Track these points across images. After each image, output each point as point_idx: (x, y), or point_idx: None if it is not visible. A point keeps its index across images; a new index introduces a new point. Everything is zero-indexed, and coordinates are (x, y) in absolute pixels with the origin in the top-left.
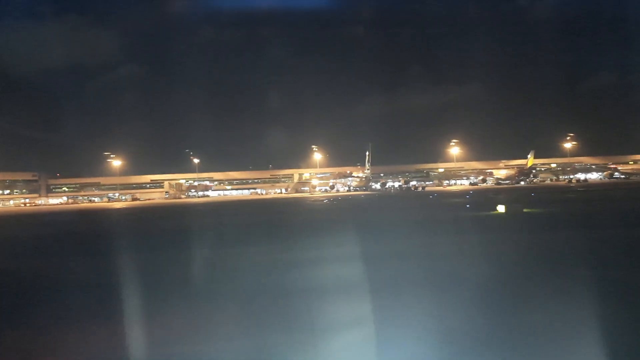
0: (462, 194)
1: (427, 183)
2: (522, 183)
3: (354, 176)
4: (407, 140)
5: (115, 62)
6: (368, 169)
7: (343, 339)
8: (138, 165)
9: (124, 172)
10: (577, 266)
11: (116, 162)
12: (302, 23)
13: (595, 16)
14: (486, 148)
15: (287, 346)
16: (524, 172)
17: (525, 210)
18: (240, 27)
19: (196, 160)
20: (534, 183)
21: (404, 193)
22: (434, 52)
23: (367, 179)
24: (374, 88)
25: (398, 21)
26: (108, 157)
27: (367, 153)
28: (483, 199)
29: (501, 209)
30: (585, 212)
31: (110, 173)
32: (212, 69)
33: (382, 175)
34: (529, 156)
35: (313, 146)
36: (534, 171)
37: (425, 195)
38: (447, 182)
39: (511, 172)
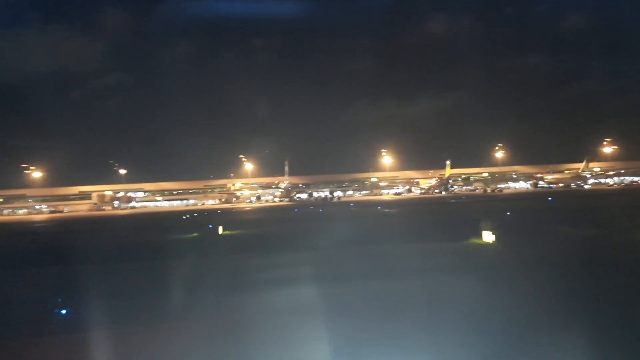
0: (343, 204)
1: (362, 192)
2: (444, 192)
3: (276, 187)
4: (347, 150)
5: (47, 71)
6: (287, 180)
7: None
8: (70, 177)
9: (55, 184)
10: None
11: (45, 174)
12: (238, 32)
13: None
14: (424, 157)
15: None
16: (442, 182)
17: (223, 232)
18: (172, 38)
19: (123, 171)
20: (454, 192)
21: (317, 203)
22: (374, 63)
23: (287, 190)
24: (318, 99)
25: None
26: (37, 168)
27: (285, 163)
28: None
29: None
30: (284, 233)
31: (39, 185)
32: (148, 80)
33: (300, 185)
34: (447, 163)
35: (241, 156)
36: (450, 181)
37: (291, 207)
38: (381, 191)
39: (435, 182)
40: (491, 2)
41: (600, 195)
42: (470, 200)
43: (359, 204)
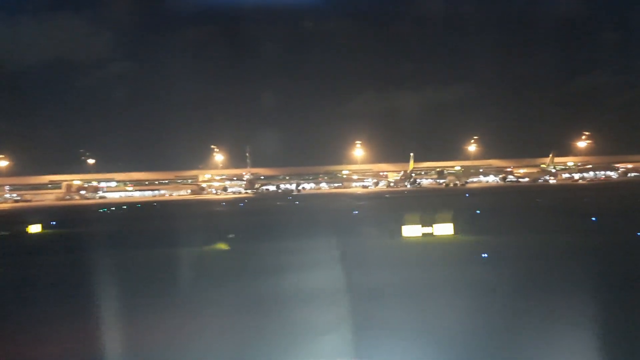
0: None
1: (334, 185)
2: (409, 186)
3: (238, 179)
4: (322, 142)
5: (20, 58)
6: (249, 171)
7: None
8: (44, 166)
9: (28, 173)
10: None
11: (17, 162)
12: (211, 22)
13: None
14: (399, 150)
15: None
16: (407, 176)
17: (41, 231)
18: (145, 27)
19: (93, 161)
20: (419, 186)
21: (278, 196)
22: (351, 54)
23: (250, 182)
24: (293, 90)
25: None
26: (7, 157)
27: (247, 154)
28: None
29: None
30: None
31: (11, 173)
32: (122, 69)
33: (262, 177)
34: (410, 155)
35: (213, 146)
36: (413, 175)
37: (238, 200)
38: (352, 183)
39: (400, 176)
40: None
41: (534, 192)
42: (399, 195)
43: (306, 197)
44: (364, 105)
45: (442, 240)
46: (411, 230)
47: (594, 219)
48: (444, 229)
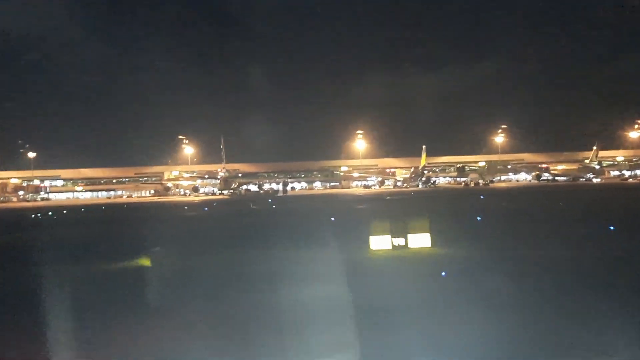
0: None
1: (331, 184)
2: (421, 185)
3: (210, 177)
4: (318, 134)
5: None
6: (224, 168)
7: None
8: None
9: None
10: None
11: None
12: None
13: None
14: (411, 142)
15: None
16: (417, 173)
17: None
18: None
19: (32, 154)
20: (433, 186)
21: (257, 197)
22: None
23: (225, 181)
24: (281, 70)
25: None
26: None
27: (221, 147)
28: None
29: None
30: None
31: None
32: (67, 44)
33: (239, 175)
34: (423, 148)
35: (182, 137)
36: (426, 172)
37: (202, 204)
38: (352, 182)
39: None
40: None
41: (567, 193)
42: (402, 197)
43: (291, 200)
44: (367, 89)
45: (411, 254)
46: (381, 242)
47: (611, 227)
48: (420, 240)
